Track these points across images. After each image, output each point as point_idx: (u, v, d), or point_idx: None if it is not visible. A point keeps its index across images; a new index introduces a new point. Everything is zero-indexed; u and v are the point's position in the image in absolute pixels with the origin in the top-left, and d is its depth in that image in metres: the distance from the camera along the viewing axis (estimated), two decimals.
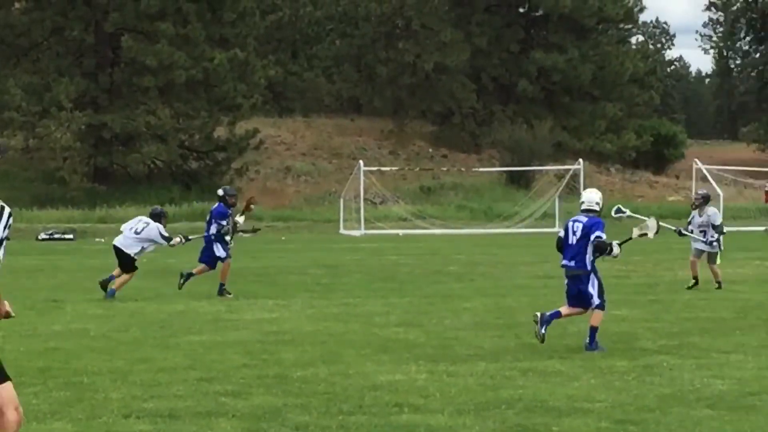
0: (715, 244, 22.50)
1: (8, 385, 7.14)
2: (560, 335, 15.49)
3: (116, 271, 21.55)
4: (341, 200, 58.21)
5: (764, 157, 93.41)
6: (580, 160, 57.92)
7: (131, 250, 21.45)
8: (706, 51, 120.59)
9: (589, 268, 14.62)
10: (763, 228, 17.65)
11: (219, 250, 21.83)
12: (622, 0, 79.05)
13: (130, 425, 9.60)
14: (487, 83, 76.32)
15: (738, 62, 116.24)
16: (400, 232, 53.32)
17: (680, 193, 69.59)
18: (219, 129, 65.71)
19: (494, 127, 73.15)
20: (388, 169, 64.12)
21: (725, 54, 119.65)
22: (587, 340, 14.43)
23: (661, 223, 16.45)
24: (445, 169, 69.30)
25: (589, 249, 14.53)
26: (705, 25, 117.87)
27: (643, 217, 17.45)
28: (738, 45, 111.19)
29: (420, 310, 18.99)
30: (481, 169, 68.28)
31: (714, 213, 22.73)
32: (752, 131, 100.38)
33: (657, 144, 79.88)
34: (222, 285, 21.55)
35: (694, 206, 23.04)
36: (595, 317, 14.49)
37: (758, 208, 55.52)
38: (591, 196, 15.02)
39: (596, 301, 14.53)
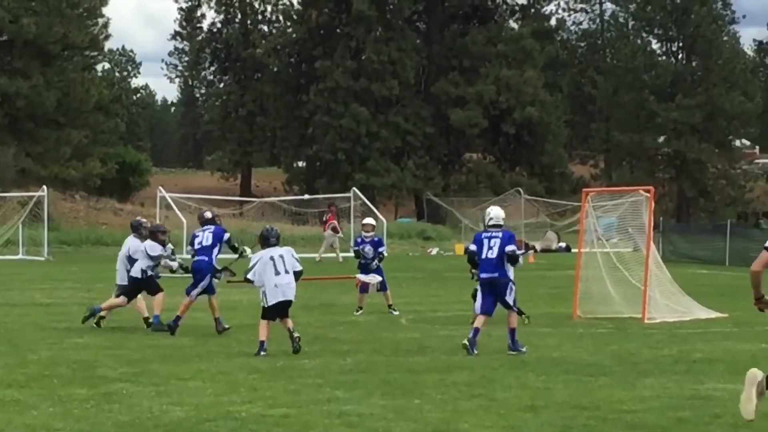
0: None
1: None
2: (21, 364, 15.13)
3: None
4: None
5: (228, 186, 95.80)
6: (44, 186, 56.92)
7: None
8: (171, 80, 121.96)
9: (508, 276, 16.90)
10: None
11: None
12: (87, 27, 78.59)
13: None
14: None
15: (203, 91, 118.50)
16: None
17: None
18: None
19: None
20: None
21: (191, 83, 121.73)
22: (509, 342, 16.61)
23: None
24: None
25: (505, 258, 16.69)
26: (171, 54, 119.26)
27: None
28: (203, 75, 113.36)
29: None
30: None
31: None
32: (216, 160, 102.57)
33: (122, 172, 79.86)
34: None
35: None
36: (512, 320, 16.79)
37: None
38: (499, 213, 17.20)
39: (513, 306, 16.78)
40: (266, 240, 17.46)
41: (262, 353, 16.55)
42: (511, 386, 13.41)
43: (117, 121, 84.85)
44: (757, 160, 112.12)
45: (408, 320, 22.24)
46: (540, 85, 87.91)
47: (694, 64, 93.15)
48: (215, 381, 13.84)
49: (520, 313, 21.11)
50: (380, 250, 24.12)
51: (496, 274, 16.72)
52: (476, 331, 16.65)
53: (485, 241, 16.89)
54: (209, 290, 19.92)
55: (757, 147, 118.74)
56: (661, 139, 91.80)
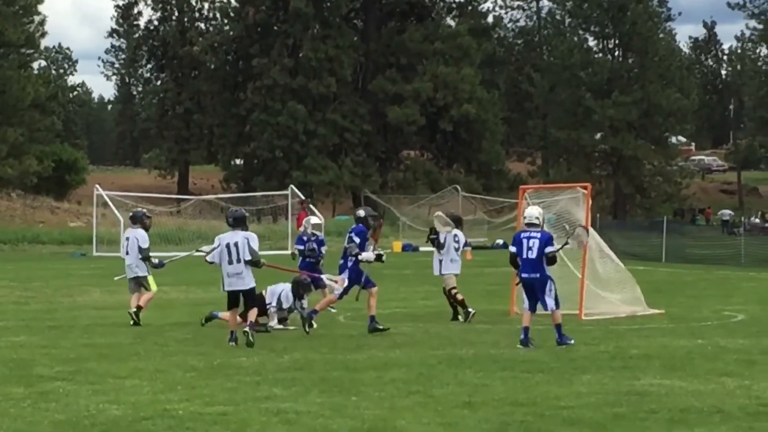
0: None
1: None
2: None
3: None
4: None
5: (165, 183, 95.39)
6: None
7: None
8: (108, 77, 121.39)
9: (548, 275, 17.14)
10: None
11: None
12: (23, 25, 77.99)
13: None
14: None
15: (140, 89, 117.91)
16: None
17: (82, 219, 69.38)
18: None
19: None
20: None
21: (127, 81, 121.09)
22: (557, 338, 17.04)
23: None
24: None
25: (544, 259, 17.06)
26: (107, 52, 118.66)
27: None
28: (140, 72, 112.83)
29: None
30: None
31: None
32: (154, 158, 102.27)
33: (59, 170, 79.41)
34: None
35: None
36: (556, 317, 17.20)
37: (159, 234, 56.37)
38: (532, 212, 17.54)
39: (552, 306, 17.13)
40: (226, 221, 17.79)
41: (231, 343, 17.25)
42: (449, 383, 13.45)
43: (53, 119, 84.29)
44: (693, 157, 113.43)
45: (346, 318, 22.23)
46: (477, 82, 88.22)
47: (630, 61, 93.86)
48: (152, 379, 13.77)
49: (463, 306, 21.36)
50: (323, 249, 24.10)
51: (536, 275, 17.16)
52: (526, 330, 17.15)
53: (524, 242, 17.32)
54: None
55: (693, 144, 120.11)
56: (598, 136, 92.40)
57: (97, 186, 59.96)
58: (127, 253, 20.87)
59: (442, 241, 22.07)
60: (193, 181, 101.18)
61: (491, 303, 25.08)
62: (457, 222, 22.77)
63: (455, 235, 22.22)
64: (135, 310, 20.40)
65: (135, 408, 11.68)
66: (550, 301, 17.27)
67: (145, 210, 22.20)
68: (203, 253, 19.07)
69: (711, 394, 12.68)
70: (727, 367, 14.94)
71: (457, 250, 22.17)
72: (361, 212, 20.87)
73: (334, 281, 20.69)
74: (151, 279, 20.73)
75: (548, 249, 17.23)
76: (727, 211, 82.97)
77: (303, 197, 55.53)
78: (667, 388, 13.04)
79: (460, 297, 21.75)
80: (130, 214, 22.04)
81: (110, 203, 57.53)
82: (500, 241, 59.30)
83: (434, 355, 16.09)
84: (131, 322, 20.16)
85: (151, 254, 20.87)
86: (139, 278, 20.73)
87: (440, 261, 22.12)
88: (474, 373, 14.27)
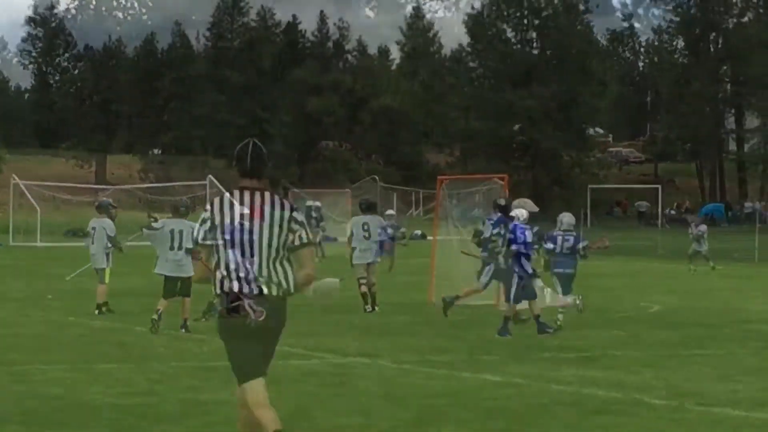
0: None
1: None
2: None
3: None
4: None
5: (82, 173, 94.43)
6: None
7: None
8: (25, 66, 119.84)
9: (516, 270, 18.03)
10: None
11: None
12: None
13: None
14: None
15: (57, 78, 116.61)
16: None
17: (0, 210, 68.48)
18: None
19: None
20: None
21: (45, 69, 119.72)
22: (499, 328, 17.60)
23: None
24: None
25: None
26: (24, 41, 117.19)
27: None
28: (57, 61, 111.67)
29: None
30: None
31: None
32: (71, 147, 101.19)
33: None
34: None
35: None
36: (508, 309, 18.12)
37: (73, 223, 55.77)
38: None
39: (510, 298, 18.16)
40: (175, 209, 17.84)
41: (181, 330, 17.53)
42: (369, 374, 13.44)
43: None
44: (610, 149, 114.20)
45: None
46: (398, 73, 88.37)
47: (548, 53, 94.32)
48: (73, 370, 13.65)
49: (364, 299, 21.20)
50: None
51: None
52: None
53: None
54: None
55: (611, 135, 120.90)
56: (516, 127, 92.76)
57: (14, 176, 59.22)
58: (93, 243, 20.75)
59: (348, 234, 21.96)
60: (111, 171, 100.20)
61: (409, 294, 25.10)
62: (370, 208, 22.52)
63: (364, 224, 21.87)
64: (100, 303, 20.48)
65: (55, 398, 11.57)
66: (511, 294, 18.08)
67: (110, 200, 22.20)
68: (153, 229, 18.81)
69: (630, 385, 12.80)
70: (646, 358, 15.08)
71: (367, 238, 21.77)
72: (502, 201, 20.06)
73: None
74: (107, 271, 20.72)
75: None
76: (644, 203, 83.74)
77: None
78: (587, 380, 13.13)
79: (362, 290, 21.42)
80: (96, 204, 22.02)
81: (27, 193, 56.87)
82: (418, 232, 59.79)
83: (354, 347, 16.07)
84: (97, 312, 20.32)
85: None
86: (98, 270, 20.73)
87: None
88: (394, 365, 14.27)
